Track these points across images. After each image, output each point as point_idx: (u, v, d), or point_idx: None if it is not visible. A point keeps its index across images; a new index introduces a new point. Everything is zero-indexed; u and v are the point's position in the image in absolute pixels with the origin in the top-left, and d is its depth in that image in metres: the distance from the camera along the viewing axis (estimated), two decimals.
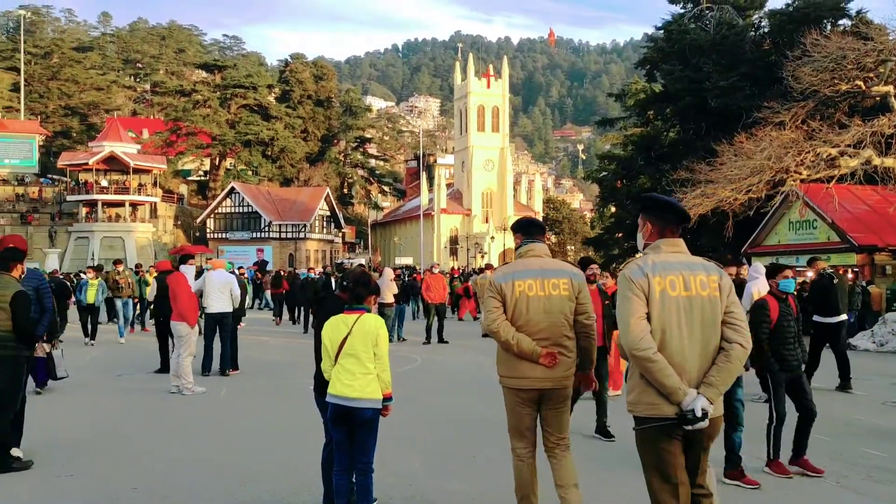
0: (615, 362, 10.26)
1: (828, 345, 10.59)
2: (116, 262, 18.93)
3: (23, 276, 6.54)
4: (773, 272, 6.57)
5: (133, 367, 12.55)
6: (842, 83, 20.95)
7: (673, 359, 3.29)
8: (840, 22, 30.77)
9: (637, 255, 3.80)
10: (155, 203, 57.63)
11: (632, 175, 37.74)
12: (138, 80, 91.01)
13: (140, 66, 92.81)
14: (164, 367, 11.76)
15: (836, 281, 10.75)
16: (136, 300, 19.76)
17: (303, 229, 60.68)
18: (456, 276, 27.85)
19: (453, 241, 65.99)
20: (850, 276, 16.10)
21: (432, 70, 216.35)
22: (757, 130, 22.03)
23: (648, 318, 3.33)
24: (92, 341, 16.13)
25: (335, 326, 4.72)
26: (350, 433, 4.67)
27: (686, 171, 23.70)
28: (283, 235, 60.80)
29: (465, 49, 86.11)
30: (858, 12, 30.47)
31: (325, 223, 64.47)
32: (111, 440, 7.28)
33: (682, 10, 37.20)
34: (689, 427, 3.25)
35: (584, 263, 10.13)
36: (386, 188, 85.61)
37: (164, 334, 12.11)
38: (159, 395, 9.96)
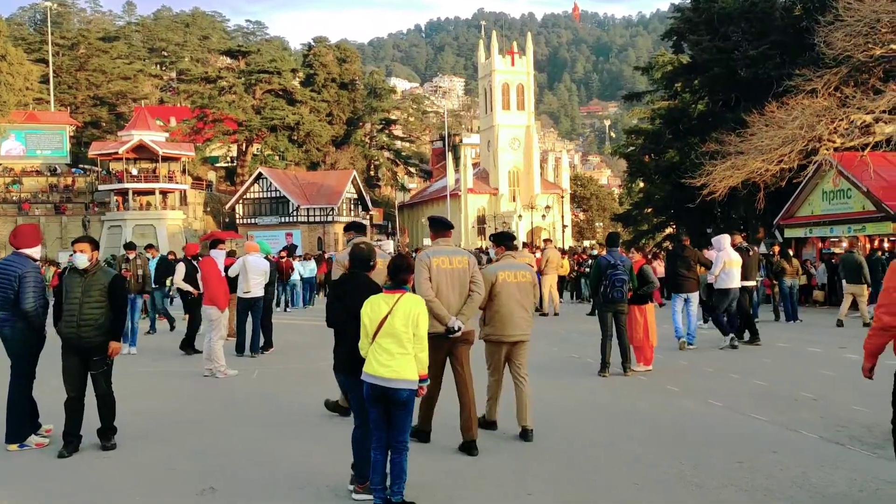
0: (644, 337, 10.08)
1: None
2: (127, 246, 13.89)
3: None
4: None
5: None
6: (876, 47, 20.30)
7: (443, 301, 6.04)
8: None
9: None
10: (184, 190, 58.24)
11: (660, 149, 37.14)
12: (164, 68, 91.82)
13: (165, 54, 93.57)
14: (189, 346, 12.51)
15: (751, 253, 13.03)
16: (147, 297, 15.55)
17: (331, 213, 60.97)
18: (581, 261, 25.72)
19: (481, 220, 65.72)
20: (755, 250, 15.60)
21: (456, 49, 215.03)
22: (788, 99, 21.47)
23: (431, 281, 6.04)
24: None
25: (376, 305, 4.73)
26: (386, 412, 4.70)
27: (715, 143, 23.29)
28: (312, 219, 61.17)
29: (489, 27, 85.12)
30: None
31: (352, 206, 64.68)
32: (148, 423, 7.39)
33: None
34: (450, 335, 5.98)
35: (611, 239, 10.01)
36: (412, 169, 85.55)
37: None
38: (193, 378, 10.10)
